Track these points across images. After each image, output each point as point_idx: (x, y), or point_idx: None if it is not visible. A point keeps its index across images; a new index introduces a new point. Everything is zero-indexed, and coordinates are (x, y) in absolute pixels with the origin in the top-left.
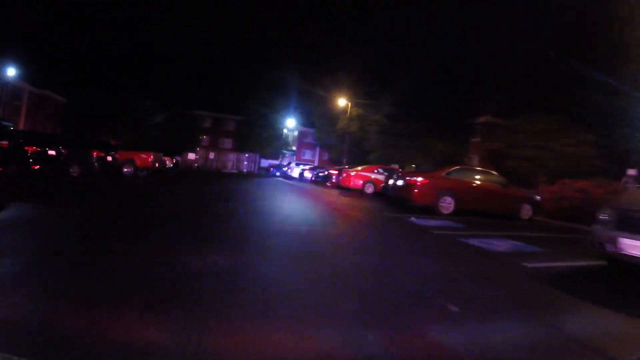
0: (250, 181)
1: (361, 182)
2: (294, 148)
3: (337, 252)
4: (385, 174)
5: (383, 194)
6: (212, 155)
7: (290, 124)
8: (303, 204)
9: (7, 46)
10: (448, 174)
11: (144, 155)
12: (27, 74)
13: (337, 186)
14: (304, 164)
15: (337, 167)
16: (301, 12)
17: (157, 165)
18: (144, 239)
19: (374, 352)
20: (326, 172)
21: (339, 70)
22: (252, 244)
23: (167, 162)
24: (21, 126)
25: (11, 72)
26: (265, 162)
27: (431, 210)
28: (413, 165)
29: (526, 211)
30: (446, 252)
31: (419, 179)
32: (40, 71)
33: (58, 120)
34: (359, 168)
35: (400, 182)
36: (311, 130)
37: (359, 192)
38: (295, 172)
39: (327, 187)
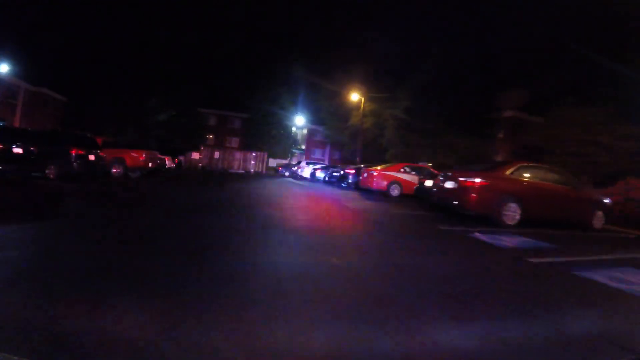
0: (258, 182)
1: (386, 183)
2: (303, 147)
3: (405, 310)
4: (413, 173)
5: (416, 196)
6: (217, 155)
7: (299, 122)
8: (325, 214)
9: (1, 42)
10: (512, 173)
11: (135, 154)
12: (23, 72)
13: (356, 187)
14: (315, 163)
15: (353, 166)
16: (310, 4)
17: (150, 165)
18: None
19: None
20: (342, 172)
21: (350, 63)
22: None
23: (168, 162)
24: (17, 125)
25: (4, 68)
26: (273, 162)
27: (490, 220)
28: (429, 164)
29: (598, 219)
30: (592, 305)
31: (477, 179)
32: (38, 69)
33: (58, 119)
34: (382, 167)
35: (449, 184)
36: (321, 129)
37: (384, 195)
38: (306, 172)
39: (343, 188)
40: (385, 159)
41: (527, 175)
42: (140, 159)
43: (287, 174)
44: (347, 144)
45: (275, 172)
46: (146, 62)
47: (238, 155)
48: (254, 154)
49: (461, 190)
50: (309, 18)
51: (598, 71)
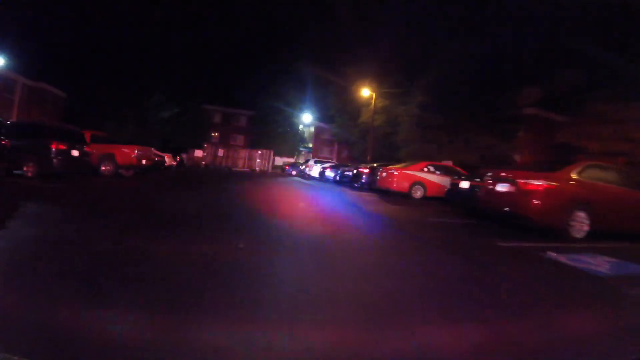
0: (263, 183)
1: (407, 183)
2: (310, 145)
3: None
4: (438, 172)
5: (447, 200)
6: (221, 152)
7: (307, 120)
8: (349, 225)
9: None
10: (578, 174)
11: (126, 150)
12: (21, 66)
13: (370, 188)
14: (324, 162)
15: (366, 165)
16: None
17: (144, 162)
18: None
19: None
20: (354, 171)
21: (361, 58)
22: None
23: (168, 160)
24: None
25: (0, 62)
26: (279, 160)
27: (552, 232)
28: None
29: None
30: None
31: (541, 182)
32: (37, 63)
33: (57, 115)
34: (402, 165)
35: (502, 187)
36: (328, 126)
37: (404, 197)
38: (314, 171)
39: (357, 189)
40: (397, 158)
41: (594, 176)
42: (132, 155)
43: (294, 173)
44: (356, 142)
45: (281, 171)
46: (150, 57)
47: (243, 153)
48: (259, 152)
49: (520, 194)
50: (317, 11)
51: (627, 66)
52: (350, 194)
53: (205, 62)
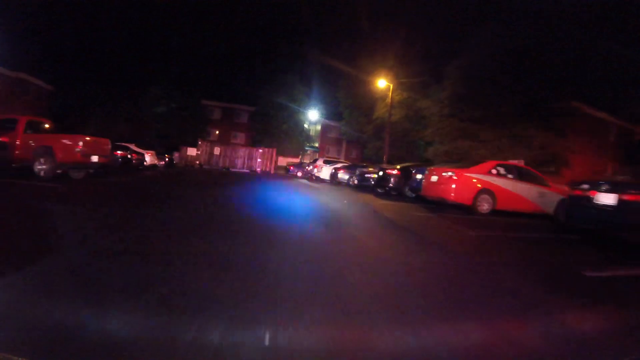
0: (264, 188)
1: (471, 192)
2: (316, 144)
3: None
4: (511, 176)
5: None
6: (217, 151)
7: (313, 117)
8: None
9: None
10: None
11: (67, 141)
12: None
13: (399, 194)
14: (334, 162)
15: (395, 166)
16: None
17: (94, 159)
18: None
19: None
20: (380, 174)
21: (374, 46)
22: None
23: (149, 158)
24: None
25: None
26: (283, 160)
27: None
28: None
29: None
30: None
31: None
32: (19, 53)
33: (42, 108)
34: (456, 166)
35: None
36: (336, 124)
37: (465, 211)
38: (324, 172)
39: (384, 196)
40: (423, 158)
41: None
42: (75, 149)
43: (299, 174)
44: (368, 140)
45: (285, 172)
46: (146, 49)
47: (242, 151)
48: (260, 151)
49: None
50: None
51: None
52: (384, 205)
53: (204, 54)
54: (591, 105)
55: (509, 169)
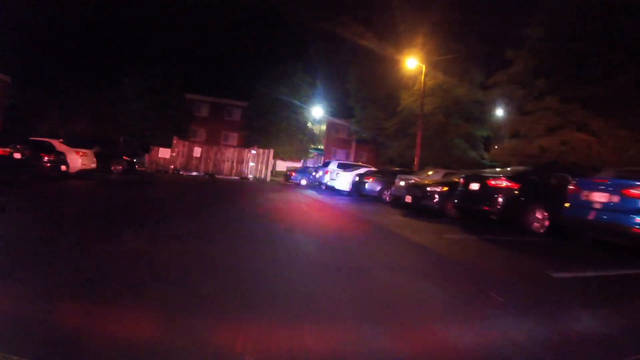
0: (253, 207)
1: None
2: (320, 147)
3: None
4: None
5: None
6: (197, 152)
7: (317, 114)
8: None
9: None
10: None
11: None
12: None
13: (515, 224)
14: (355, 167)
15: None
16: None
17: None
18: None
19: None
20: (476, 187)
21: (397, 19)
22: None
23: (80, 160)
24: None
25: None
26: (282, 165)
27: None
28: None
29: None
30: None
31: None
32: None
33: None
34: None
35: None
36: (344, 122)
37: None
38: (341, 180)
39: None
40: (461, 161)
41: None
42: None
43: (303, 182)
44: (388, 140)
45: (285, 180)
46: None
47: (229, 153)
48: (252, 152)
49: None
50: None
51: None
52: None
53: (187, 38)
54: None
55: None
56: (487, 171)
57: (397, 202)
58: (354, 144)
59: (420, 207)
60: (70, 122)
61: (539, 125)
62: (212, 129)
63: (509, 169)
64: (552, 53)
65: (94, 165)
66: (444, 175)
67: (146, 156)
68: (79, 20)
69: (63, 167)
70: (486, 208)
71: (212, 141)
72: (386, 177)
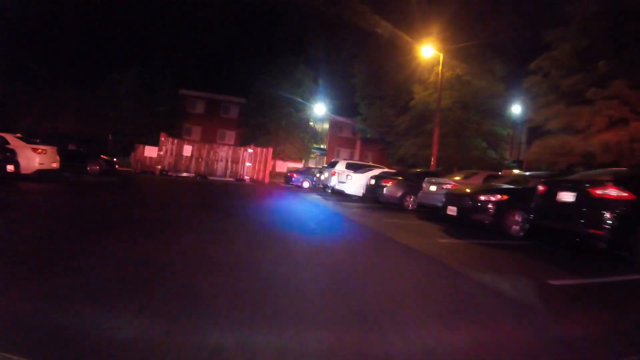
0: (251, 220)
1: None
2: (323, 146)
3: None
4: None
5: None
6: (187, 151)
7: (319, 111)
8: None
9: None
10: None
11: None
12: None
13: None
14: (367, 168)
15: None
16: None
17: None
18: None
19: None
20: (571, 196)
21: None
22: None
23: (38, 159)
24: None
25: None
26: (282, 165)
27: None
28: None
29: None
30: None
31: None
32: None
33: None
34: None
35: None
36: (347, 121)
37: None
38: (352, 184)
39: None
40: (482, 160)
41: None
42: None
43: (305, 184)
44: (398, 138)
45: (285, 182)
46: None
47: (224, 152)
48: (249, 151)
49: None
50: None
51: None
52: None
53: (182, 30)
54: None
55: None
56: (581, 174)
57: (432, 213)
58: (358, 143)
59: (469, 222)
60: (55, 118)
61: (600, 117)
62: (207, 127)
63: (608, 170)
64: (611, 31)
65: (55, 165)
66: (485, 179)
67: (131, 155)
68: (68, 14)
69: (9, 167)
70: (593, 231)
71: (208, 140)
72: (408, 180)
